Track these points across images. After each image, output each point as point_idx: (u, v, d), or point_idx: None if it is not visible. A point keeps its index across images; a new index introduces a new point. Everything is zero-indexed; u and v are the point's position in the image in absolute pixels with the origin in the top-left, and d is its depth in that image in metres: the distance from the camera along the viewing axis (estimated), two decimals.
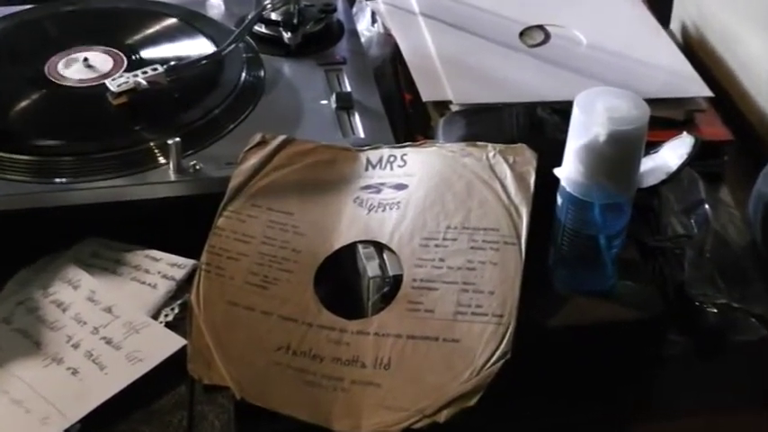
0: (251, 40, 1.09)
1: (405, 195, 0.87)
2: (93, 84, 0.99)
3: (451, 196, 0.86)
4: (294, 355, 0.79)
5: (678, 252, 0.90)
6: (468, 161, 0.88)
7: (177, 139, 0.90)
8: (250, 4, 1.10)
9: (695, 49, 1.22)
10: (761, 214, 0.93)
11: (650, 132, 0.78)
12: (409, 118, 1.06)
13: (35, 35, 1.08)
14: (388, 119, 1.00)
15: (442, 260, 0.82)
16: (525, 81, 1.05)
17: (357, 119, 1.00)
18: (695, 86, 1.07)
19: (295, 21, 1.08)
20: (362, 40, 1.15)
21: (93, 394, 0.77)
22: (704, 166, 0.97)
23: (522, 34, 1.14)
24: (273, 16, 1.09)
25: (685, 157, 0.84)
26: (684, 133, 0.87)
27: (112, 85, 0.96)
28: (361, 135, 0.98)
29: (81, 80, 1.00)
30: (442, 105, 1.02)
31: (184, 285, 0.86)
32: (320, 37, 1.11)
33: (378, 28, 1.19)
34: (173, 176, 0.91)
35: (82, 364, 0.79)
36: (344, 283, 0.87)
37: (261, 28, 1.10)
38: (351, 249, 0.85)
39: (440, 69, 1.06)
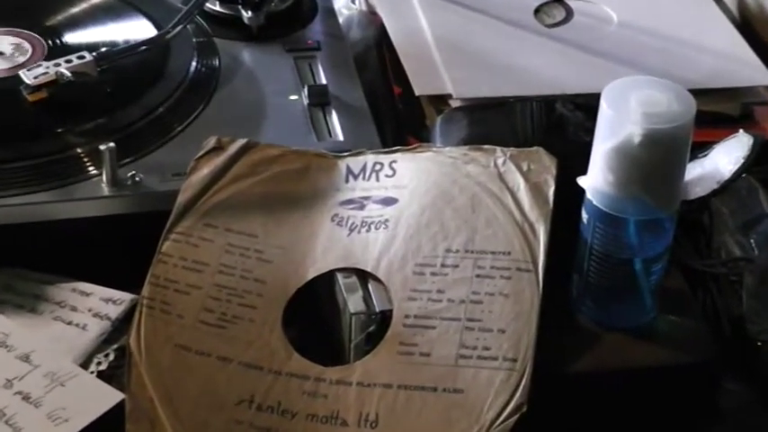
0: (202, 22, 1.10)
1: (394, 212, 0.88)
2: (4, 75, 1.00)
3: (452, 212, 0.87)
4: (259, 411, 0.80)
5: (734, 279, 0.91)
6: (472, 169, 0.89)
7: (111, 144, 0.91)
8: None
9: (755, 27, 1.23)
10: None
11: (697, 131, 0.79)
12: (399, 116, 1.07)
13: None
14: (372, 117, 1.02)
15: (440, 291, 0.83)
16: (542, 69, 1.06)
17: (334, 118, 1.01)
18: (754, 73, 1.08)
19: None
20: (340, 20, 1.16)
21: None
22: (766, 173, 0.98)
23: (537, 11, 1.15)
24: None
25: (742, 161, 0.85)
26: (741, 131, 0.88)
27: (28, 76, 0.96)
28: (340, 138, 0.99)
29: None
30: (440, 100, 1.04)
31: (122, 326, 0.87)
32: (288, 17, 1.12)
33: (359, 5, 1.20)
34: (106, 190, 0.92)
35: None
36: (320, 321, 0.88)
37: (215, 6, 1.11)
38: (328, 279, 0.86)
39: (436, 56, 1.08)
